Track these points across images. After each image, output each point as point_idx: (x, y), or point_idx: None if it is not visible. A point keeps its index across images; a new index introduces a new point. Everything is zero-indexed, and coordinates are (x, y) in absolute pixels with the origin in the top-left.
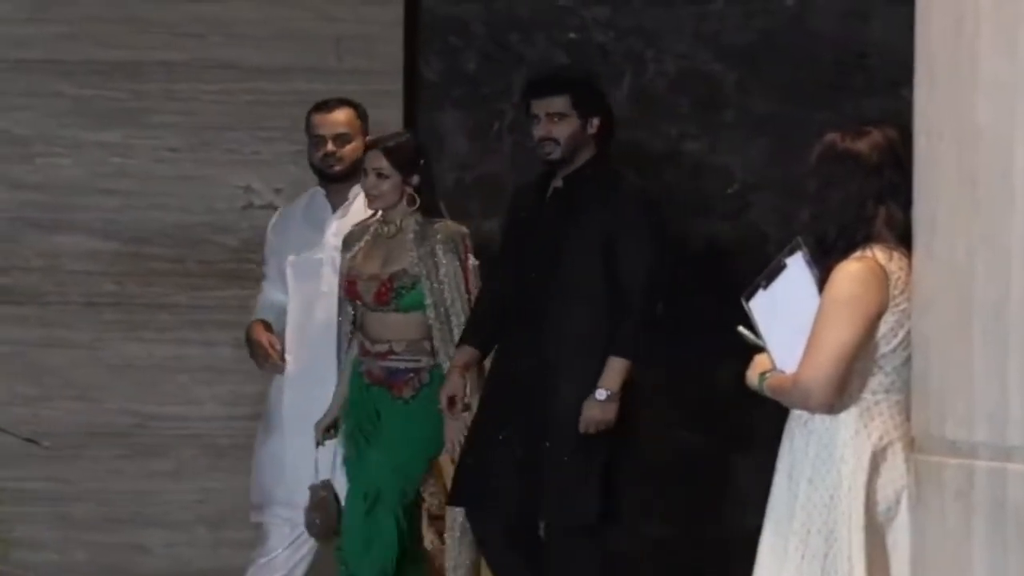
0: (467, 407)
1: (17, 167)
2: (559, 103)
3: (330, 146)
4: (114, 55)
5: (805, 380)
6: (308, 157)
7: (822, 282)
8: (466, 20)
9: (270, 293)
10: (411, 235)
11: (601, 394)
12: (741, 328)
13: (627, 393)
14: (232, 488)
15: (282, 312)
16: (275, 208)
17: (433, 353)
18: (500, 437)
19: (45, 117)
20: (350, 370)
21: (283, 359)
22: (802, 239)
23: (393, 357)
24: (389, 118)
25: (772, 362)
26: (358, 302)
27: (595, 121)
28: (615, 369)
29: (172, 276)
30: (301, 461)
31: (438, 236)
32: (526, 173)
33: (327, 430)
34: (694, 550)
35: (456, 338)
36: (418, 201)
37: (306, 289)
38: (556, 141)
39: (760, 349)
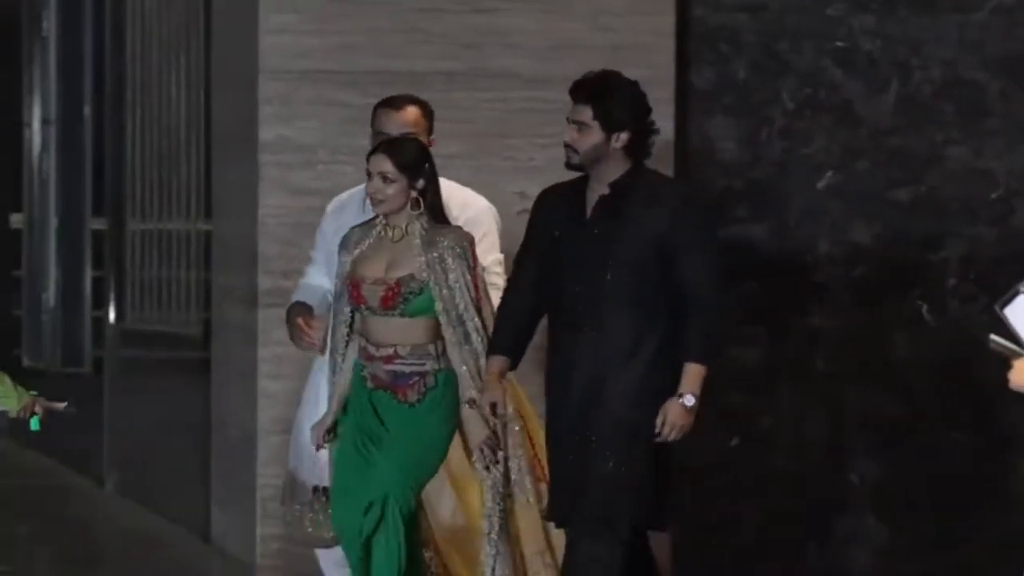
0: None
1: (301, 174)
2: (581, 113)
3: None
4: (395, 65)
5: None
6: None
7: None
8: (736, 29)
9: (314, 277)
10: (418, 240)
11: (689, 400)
12: (993, 336)
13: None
14: None
15: (324, 297)
16: None
17: (438, 357)
18: (560, 446)
19: (328, 125)
20: (351, 372)
21: (317, 341)
22: None
23: (399, 361)
24: (661, 125)
25: None
26: (362, 306)
27: (622, 136)
28: (696, 374)
29: None
30: None
31: (446, 242)
32: (798, 178)
33: (327, 432)
34: (965, 549)
35: (472, 342)
36: (423, 204)
37: None
38: (575, 149)
39: (1012, 357)
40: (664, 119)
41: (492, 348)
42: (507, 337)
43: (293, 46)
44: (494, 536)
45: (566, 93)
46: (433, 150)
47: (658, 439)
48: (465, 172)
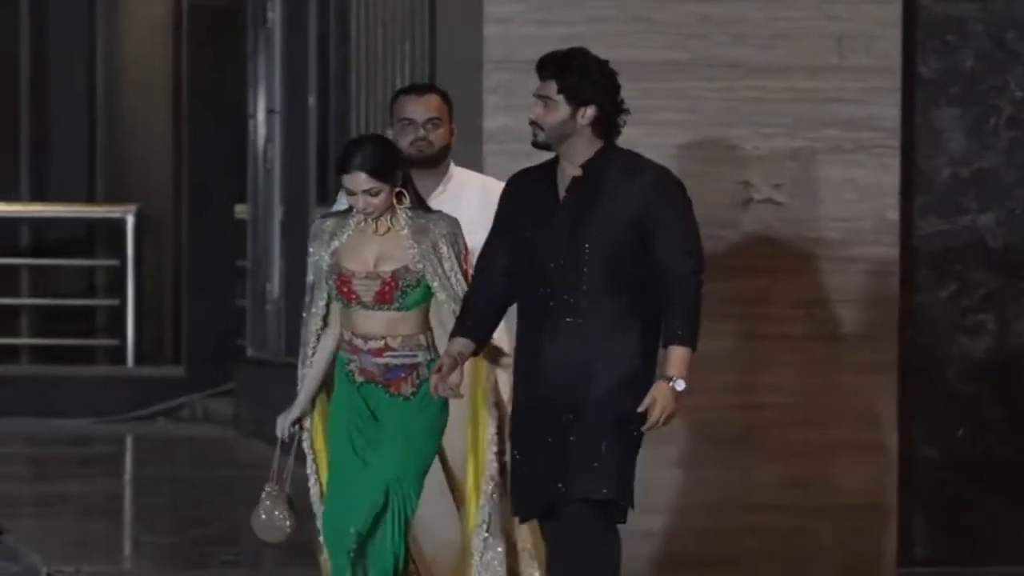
0: (460, 396)
1: (524, 163)
2: (546, 88)
3: (421, 131)
4: (619, 55)
5: None
6: (394, 140)
7: None
8: (963, 18)
9: None
10: (406, 230)
11: (680, 384)
12: None
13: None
14: (731, 478)
15: None
16: (775, 203)
17: (429, 347)
18: (536, 436)
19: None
20: (323, 366)
21: None
22: None
23: (389, 353)
24: (887, 115)
25: None
26: (352, 301)
27: (587, 111)
28: (682, 358)
29: None
30: None
31: (437, 229)
32: None
33: (293, 424)
34: None
35: None
36: (407, 197)
37: None
38: (541, 126)
39: None
40: (890, 108)
41: (456, 331)
42: (474, 322)
43: (517, 36)
44: (485, 533)
45: (791, 82)
46: (657, 140)
47: (646, 427)
48: (689, 162)
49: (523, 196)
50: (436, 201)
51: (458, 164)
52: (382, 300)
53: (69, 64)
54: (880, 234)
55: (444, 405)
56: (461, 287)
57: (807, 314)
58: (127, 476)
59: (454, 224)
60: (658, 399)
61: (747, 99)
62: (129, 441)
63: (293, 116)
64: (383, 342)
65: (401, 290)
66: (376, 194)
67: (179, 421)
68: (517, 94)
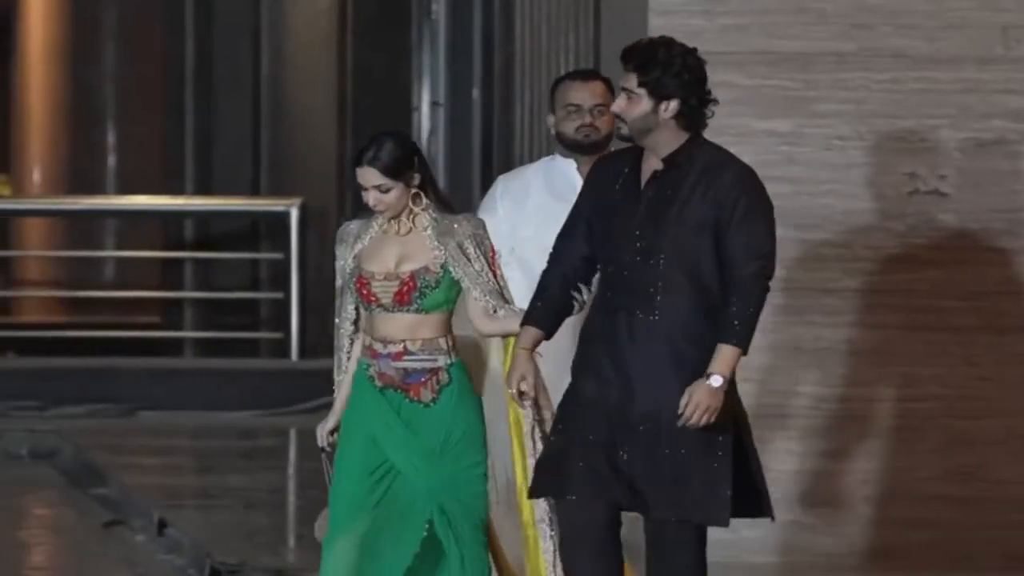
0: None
1: None
2: (628, 80)
3: (587, 117)
4: (785, 46)
5: None
6: (557, 127)
7: None
8: None
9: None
10: (429, 231)
11: (716, 380)
12: None
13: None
14: (895, 468)
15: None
16: (941, 194)
17: (449, 351)
18: (595, 428)
19: (716, 106)
20: (356, 372)
21: None
22: None
23: (408, 357)
24: None
25: None
26: (373, 304)
27: (671, 105)
28: (728, 357)
29: (840, 261)
30: None
31: (462, 231)
32: None
33: (331, 433)
34: None
35: (510, 301)
36: (424, 199)
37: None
38: (624, 119)
39: None
40: None
41: (527, 319)
42: (546, 310)
43: (682, 27)
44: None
45: (957, 73)
46: (821, 131)
47: (680, 422)
48: (855, 153)
49: (606, 182)
50: None
51: None
52: (400, 302)
53: (234, 57)
54: None
55: (471, 402)
56: (495, 285)
57: (972, 306)
58: (291, 469)
59: (479, 225)
60: (692, 396)
61: (913, 90)
62: (292, 434)
63: (457, 108)
64: (402, 346)
65: (420, 291)
66: (387, 191)
67: None
68: None
